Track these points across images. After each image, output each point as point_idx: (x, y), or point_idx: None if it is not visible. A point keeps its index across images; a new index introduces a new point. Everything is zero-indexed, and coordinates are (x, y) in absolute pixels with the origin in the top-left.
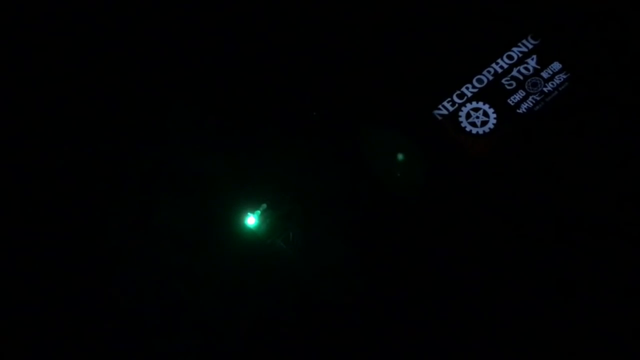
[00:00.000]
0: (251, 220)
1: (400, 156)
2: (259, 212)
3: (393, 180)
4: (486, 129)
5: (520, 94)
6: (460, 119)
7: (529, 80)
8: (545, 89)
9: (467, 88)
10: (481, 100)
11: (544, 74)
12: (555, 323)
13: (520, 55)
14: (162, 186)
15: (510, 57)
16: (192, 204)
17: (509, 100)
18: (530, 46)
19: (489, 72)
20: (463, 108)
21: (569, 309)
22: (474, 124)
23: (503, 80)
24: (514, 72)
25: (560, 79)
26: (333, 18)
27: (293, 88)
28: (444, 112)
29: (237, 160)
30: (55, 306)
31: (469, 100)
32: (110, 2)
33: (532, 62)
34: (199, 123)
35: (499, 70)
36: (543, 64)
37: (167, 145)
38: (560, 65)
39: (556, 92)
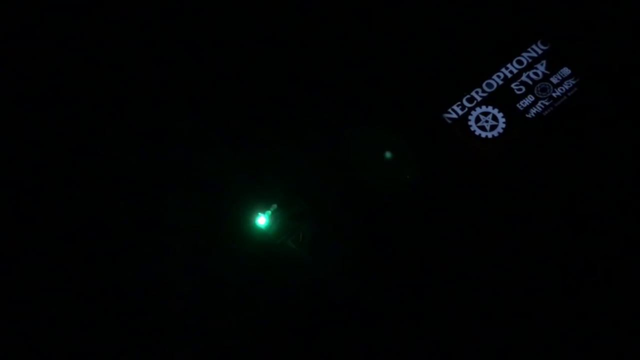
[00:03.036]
0: (262, 220)
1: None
2: (269, 212)
3: (403, 182)
4: (495, 133)
5: (530, 98)
6: (470, 123)
7: (538, 85)
8: (554, 94)
9: (477, 92)
10: (490, 105)
11: (553, 79)
12: (562, 329)
13: (529, 60)
14: (172, 186)
15: (519, 62)
16: (203, 204)
17: (518, 105)
18: (540, 51)
19: (498, 76)
20: (472, 112)
21: (578, 315)
22: (483, 128)
23: (512, 85)
24: (524, 77)
25: (569, 85)
26: (343, 20)
27: (304, 89)
28: (454, 115)
29: (248, 161)
30: (61, 304)
31: (479, 104)
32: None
33: (541, 68)
34: (211, 122)
35: (509, 75)
36: (552, 69)
37: (177, 144)
38: (570, 71)
39: (565, 98)
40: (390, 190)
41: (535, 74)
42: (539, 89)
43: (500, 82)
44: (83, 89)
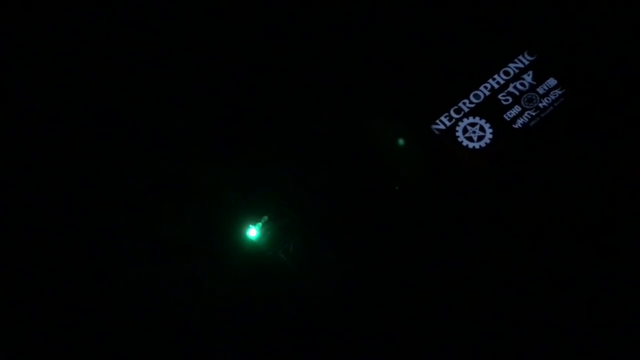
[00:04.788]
0: (252, 232)
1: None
2: (260, 224)
3: (392, 194)
4: (482, 143)
5: (516, 109)
6: (457, 134)
7: (524, 96)
8: (540, 105)
9: (464, 103)
10: (478, 115)
11: (540, 90)
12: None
13: (516, 71)
14: (163, 198)
15: (506, 73)
16: (194, 215)
17: (505, 116)
18: (527, 62)
19: (485, 87)
20: (460, 123)
21: (566, 326)
22: (470, 139)
23: (499, 96)
24: (510, 88)
25: (555, 95)
26: (330, 32)
27: (295, 102)
28: (442, 126)
29: (239, 173)
30: (57, 314)
31: (466, 115)
32: (120, 10)
33: (528, 78)
34: (201, 134)
35: (496, 86)
36: (539, 80)
37: (168, 156)
38: (556, 81)
39: (551, 108)
40: (380, 201)
41: (522, 84)
42: (525, 99)
43: (487, 93)
44: (78, 100)
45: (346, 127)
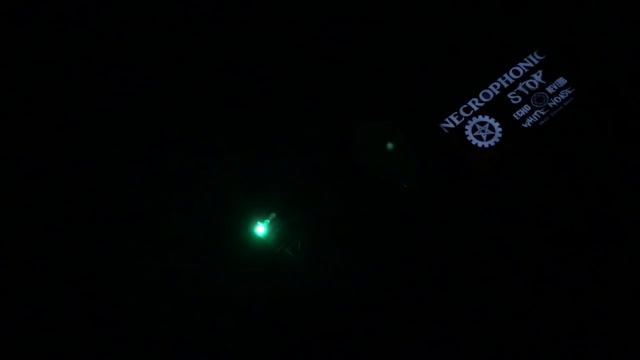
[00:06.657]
0: (260, 229)
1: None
2: (268, 221)
3: (400, 192)
4: (492, 142)
5: (526, 108)
6: (467, 133)
7: (534, 95)
8: (550, 104)
9: (474, 102)
10: (487, 114)
11: (549, 89)
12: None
13: (526, 70)
14: (171, 196)
15: (516, 72)
16: (202, 213)
17: (514, 115)
18: (536, 61)
19: (495, 86)
20: (469, 122)
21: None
22: (480, 138)
23: (509, 95)
24: (520, 87)
25: (565, 94)
26: (339, 31)
27: (302, 100)
28: (451, 125)
29: (248, 170)
30: (61, 312)
31: (476, 114)
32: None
33: (537, 77)
34: (211, 132)
35: (505, 85)
36: (548, 79)
37: (177, 153)
38: (565, 81)
39: (561, 107)
40: (388, 200)
41: (532, 83)
42: (535, 98)
43: (497, 92)
44: (86, 96)
45: (355, 125)
